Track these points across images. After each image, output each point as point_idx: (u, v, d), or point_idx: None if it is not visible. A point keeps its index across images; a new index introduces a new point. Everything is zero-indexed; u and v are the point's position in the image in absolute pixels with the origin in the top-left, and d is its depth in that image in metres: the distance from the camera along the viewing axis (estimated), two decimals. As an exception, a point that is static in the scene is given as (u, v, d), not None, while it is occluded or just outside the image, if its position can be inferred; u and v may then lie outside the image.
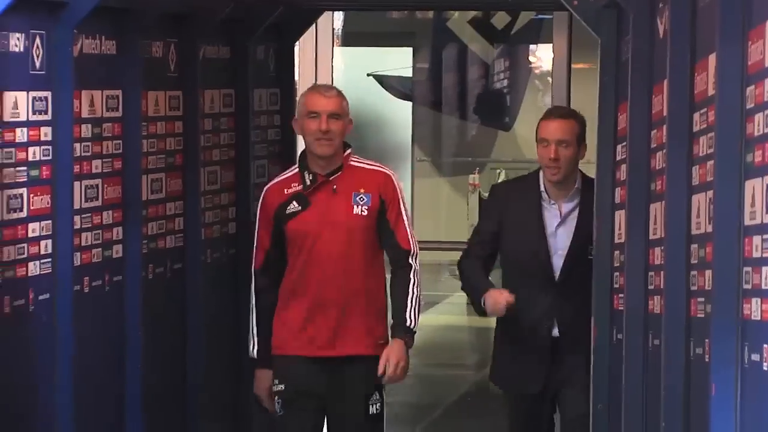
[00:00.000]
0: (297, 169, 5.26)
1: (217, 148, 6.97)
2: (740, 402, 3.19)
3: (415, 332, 5.24)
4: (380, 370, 5.08)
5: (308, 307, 5.16)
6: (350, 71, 10.10)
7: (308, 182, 5.16)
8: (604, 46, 5.19)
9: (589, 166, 5.40)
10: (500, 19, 9.36)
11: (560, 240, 5.18)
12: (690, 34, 3.97)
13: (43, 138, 5.16)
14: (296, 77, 8.49)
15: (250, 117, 7.28)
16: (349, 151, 5.24)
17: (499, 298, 5.11)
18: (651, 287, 4.33)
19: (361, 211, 5.14)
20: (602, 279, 5.01)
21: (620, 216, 4.75)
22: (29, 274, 4.97)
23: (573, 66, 8.97)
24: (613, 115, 5.03)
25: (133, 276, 5.70)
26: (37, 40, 5.16)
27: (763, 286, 3.03)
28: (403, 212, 5.27)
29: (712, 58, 3.59)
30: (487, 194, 7.64)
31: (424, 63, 10.57)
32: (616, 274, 4.88)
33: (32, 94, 5.10)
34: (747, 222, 3.25)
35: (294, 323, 5.19)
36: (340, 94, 5.23)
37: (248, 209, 6.64)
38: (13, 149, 5.00)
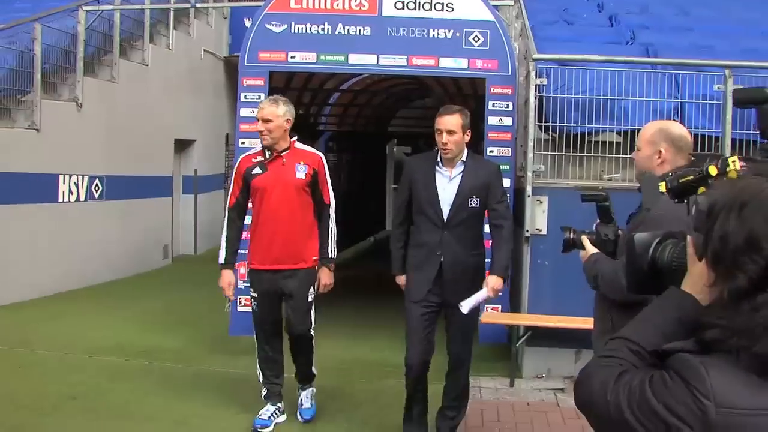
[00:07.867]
0: (261, 148, 4.77)
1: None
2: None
3: (334, 258, 4.86)
4: (319, 290, 4.85)
5: (267, 239, 4.73)
6: (400, 153, 13.00)
7: (268, 156, 4.72)
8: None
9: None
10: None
11: (448, 194, 4.49)
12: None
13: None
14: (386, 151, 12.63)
15: (389, 165, 11.13)
16: (294, 138, 4.75)
17: (399, 282, 4.69)
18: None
19: (301, 176, 4.71)
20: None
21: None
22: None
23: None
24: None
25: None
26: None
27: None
28: (327, 179, 4.82)
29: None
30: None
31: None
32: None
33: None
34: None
35: (259, 249, 4.78)
36: (274, 103, 4.70)
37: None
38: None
